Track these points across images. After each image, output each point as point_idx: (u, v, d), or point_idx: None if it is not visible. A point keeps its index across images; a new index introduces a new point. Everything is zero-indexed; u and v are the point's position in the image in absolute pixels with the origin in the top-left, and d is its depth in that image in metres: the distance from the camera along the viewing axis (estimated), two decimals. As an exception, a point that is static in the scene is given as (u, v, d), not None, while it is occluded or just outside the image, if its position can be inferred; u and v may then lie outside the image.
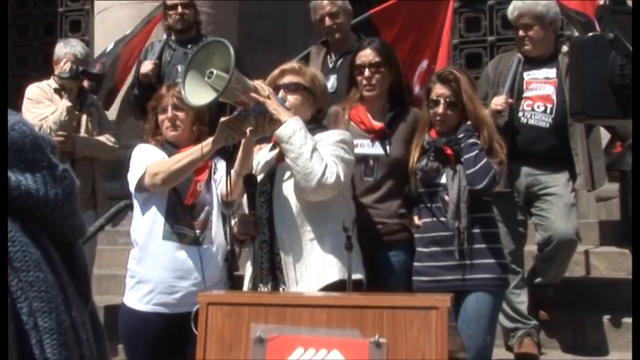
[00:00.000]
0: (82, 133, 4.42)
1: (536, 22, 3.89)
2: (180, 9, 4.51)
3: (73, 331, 1.05)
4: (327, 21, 4.22)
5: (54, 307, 1.00)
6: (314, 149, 2.63)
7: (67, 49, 4.44)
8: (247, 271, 2.85)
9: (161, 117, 3.06)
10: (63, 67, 4.34)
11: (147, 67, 4.40)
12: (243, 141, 2.78)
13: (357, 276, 2.71)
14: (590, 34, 2.60)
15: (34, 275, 0.99)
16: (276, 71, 2.94)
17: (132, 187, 2.97)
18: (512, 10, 3.95)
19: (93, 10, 6.91)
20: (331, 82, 4.06)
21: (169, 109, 3.04)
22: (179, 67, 4.32)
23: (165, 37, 4.64)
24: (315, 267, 2.69)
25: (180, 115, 3.03)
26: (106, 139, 4.50)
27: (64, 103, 4.25)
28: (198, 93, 2.53)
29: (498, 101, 3.76)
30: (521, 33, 3.91)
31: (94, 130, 4.50)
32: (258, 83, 2.68)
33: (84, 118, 4.45)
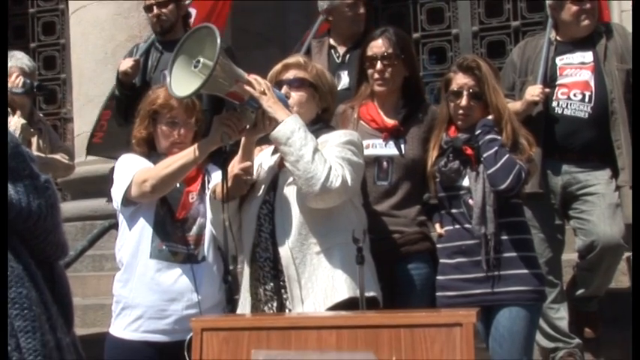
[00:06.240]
0: (34, 152, 4.45)
1: None
2: (155, 9, 4.42)
3: (59, 353, 1.05)
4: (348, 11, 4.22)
5: (38, 327, 1.01)
6: (315, 150, 2.63)
7: (11, 63, 4.48)
8: (243, 293, 2.84)
9: (166, 129, 3.04)
10: (15, 81, 4.36)
11: (127, 63, 4.34)
12: (242, 141, 2.78)
13: (370, 293, 2.69)
14: None
15: (16, 291, 0.98)
16: (279, 66, 2.95)
17: (118, 202, 2.97)
18: None
19: (68, 9, 6.94)
20: (344, 80, 4.04)
21: (181, 125, 3.03)
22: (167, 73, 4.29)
23: (152, 37, 4.61)
24: (322, 284, 2.67)
25: (184, 131, 3.04)
26: (60, 156, 4.58)
27: (18, 121, 4.29)
28: (185, 84, 2.54)
29: (534, 92, 3.73)
30: (588, 6, 3.87)
31: (46, 148, 4.58)
32: (253, 77, 2.68)
33: (34, 136, 4.52)
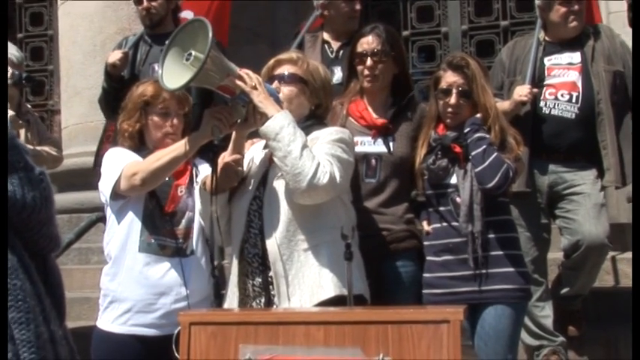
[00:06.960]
0: None
1: None
2: (145, 2, 4.40)
3: (52, 345, 1.05)
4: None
5: (32, 318, 1.01)
6: (304, 146, 2.63)
7: None
8: (231, 287, 2.84)
9: (159, 120, 3.02)
10: None
11: (115, 55, 4.33)
12: (233, 135, 2.78)
13: (357, 291, 2.68)
14: None
15: (11, 283, 0.99)
16: (272, 61, 2.95)
17: (106, 195, 2.96)
18: None
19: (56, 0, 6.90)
20: (337, 74, 4.04)
21: (173, 115, 3.02)
22: (156, 66, 4.26)
23: (142, 30, 4.59)
24: (308, 281, 2.68)
25: (176, 122, 3.03)
26: (49, 148, 4.57)
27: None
28: (176, 76, 2.54)
29: (522, 91, 3.75)
30: (576, 7, 3.90)
31: (34, 140, 4.56)
32: (245, 71, 2.68)
33: (22, 128, 4.52)
